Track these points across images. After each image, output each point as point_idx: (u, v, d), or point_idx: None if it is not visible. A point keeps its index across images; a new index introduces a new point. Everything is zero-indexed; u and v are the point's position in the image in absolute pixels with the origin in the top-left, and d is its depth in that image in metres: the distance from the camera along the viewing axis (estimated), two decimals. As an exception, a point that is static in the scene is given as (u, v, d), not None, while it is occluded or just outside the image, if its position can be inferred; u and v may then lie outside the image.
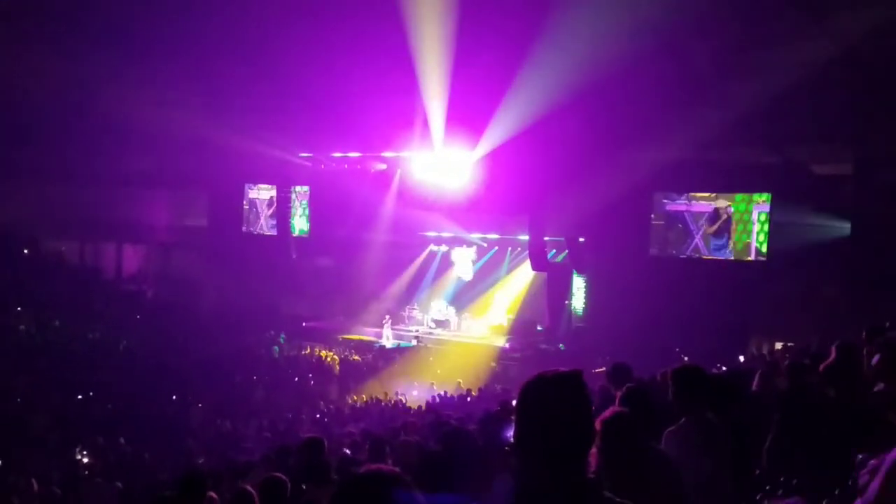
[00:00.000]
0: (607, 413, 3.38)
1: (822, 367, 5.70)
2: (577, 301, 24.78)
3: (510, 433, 2.38)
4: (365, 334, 27.21)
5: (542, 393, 2.13)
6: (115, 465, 12.51)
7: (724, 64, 16.93)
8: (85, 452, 12.96)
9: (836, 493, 4.32)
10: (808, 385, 5.90)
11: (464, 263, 29.33)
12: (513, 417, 2.20)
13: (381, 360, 23.43)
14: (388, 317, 26.96)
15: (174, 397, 18.03)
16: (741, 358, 16.58)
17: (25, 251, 30.44)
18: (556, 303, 24.29)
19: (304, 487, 5.52)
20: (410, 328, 27.96)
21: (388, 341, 26.20)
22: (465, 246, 29.32)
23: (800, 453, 5.08)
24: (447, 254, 29.89)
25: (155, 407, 17.05)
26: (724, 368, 11.67)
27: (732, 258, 21.82)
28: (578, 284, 24.75)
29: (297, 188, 28.97)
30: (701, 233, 22.30)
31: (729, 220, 21.89)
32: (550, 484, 2.03)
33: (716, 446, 4.13)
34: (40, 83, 22.75)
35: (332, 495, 1.85)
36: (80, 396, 17.32)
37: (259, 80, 21.92)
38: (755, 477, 5.25)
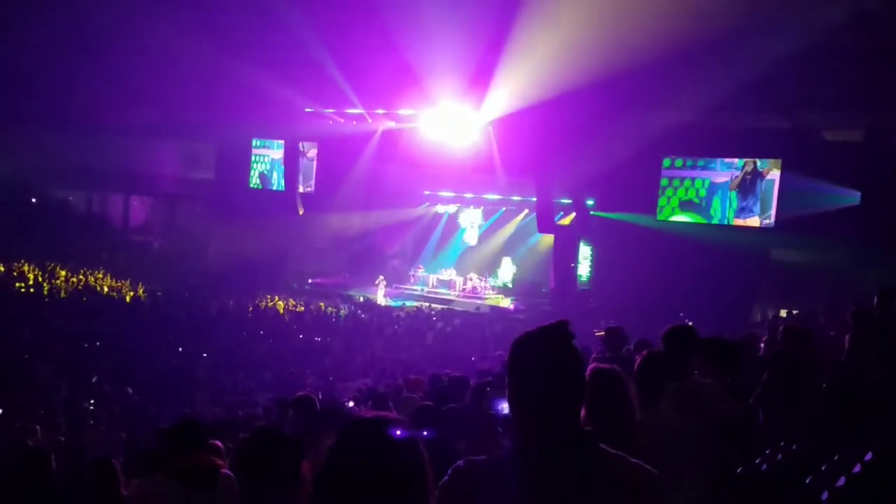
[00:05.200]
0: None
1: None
2: (583, 269, 24.78)
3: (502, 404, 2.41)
4: (370, 292, 27.32)
5: (526, 348, 2.15)
6: (120, 414, 12.62)
7: (737, 27, 16.68)
8: (91, 402, 13.05)
9: (836, 458, 4.32)
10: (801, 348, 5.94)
11: (470, 228, 29.38)
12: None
13: (386, 318, 23.49)
14: (381, 277, 27.09)
15: (180, 349, 18.12)
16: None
17: (33, 200, 30.52)
18: (561, 265, 24.28)
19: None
20: (415, 287, 28.05)
21: (381, 300, 26.38)
22: (472, 207, 29.30)
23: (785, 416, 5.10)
24: (453, 215, 29.90)
25: (160, 358, 17.14)
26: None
27: (759, 217, 21.60)
28: (585, 254, 24.70)
29: (305, 144, 28.88)
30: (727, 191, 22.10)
31: (755, 172, 21.61)
32: (543, 439, 2.04)
33: (698, 408, 4.11)
34: (48, 31, 22.57)
35: (337, 435, 1.87)
36: (85, 345, 17.42)
37: (269, 33, 21.72)
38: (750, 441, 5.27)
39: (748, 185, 21.68)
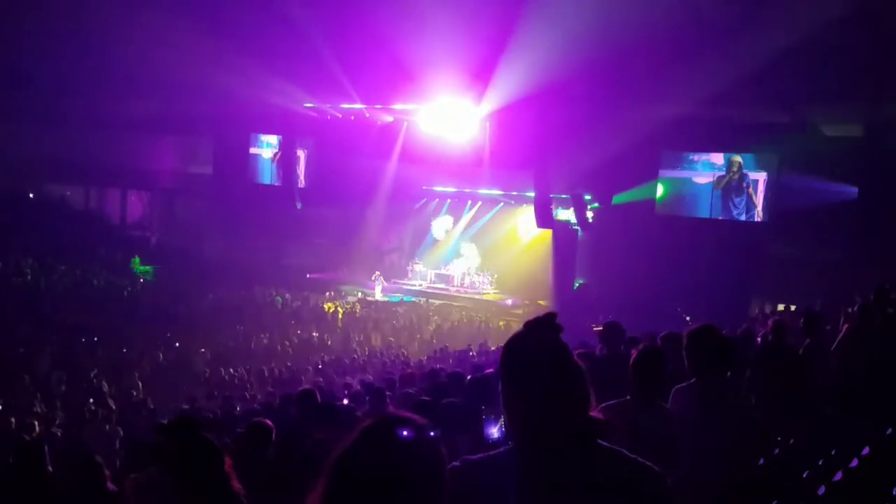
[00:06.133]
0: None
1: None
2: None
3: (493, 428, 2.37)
4: (368, 287, 27.33)
5: (518, 346, 2.10)
6: (118, 410, 12.62)
7: (737, 20, 16.67)
8: (89, 396, 13.06)
9: (833, 453, 4.33)
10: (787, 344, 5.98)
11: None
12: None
13: (384, 313, 23.50)
14: (377, 273, 27.13)
15: (177, 344, 18.12)
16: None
17: (31, 195, 30.46)
18: (560, 260, 24.28)
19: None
20: (413, 282, 28.04)
21: (378, 296, 26.42)
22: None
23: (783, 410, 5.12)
24: (452, 208, 29.95)
25: (158, 353, 17.15)
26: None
27: (745, 217, 21.72)
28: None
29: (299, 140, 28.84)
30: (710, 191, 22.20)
31: (741, 173, 21.72)
32: (542, 437, 2.01)
33: (724, 408, 4.11)
34: (46, 25, 22.50)
35: (361, 431, 1.82)
36: (83, 340, 17.42)
37: (268, 27, 21.69)
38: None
39: (734, 187, 21.81)
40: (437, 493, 1.78)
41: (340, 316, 23.15)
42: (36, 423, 10.25)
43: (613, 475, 1.99)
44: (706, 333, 4.19)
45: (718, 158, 22.14)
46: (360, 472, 1.74)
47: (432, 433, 1.82)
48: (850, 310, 6.69)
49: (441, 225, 30.20)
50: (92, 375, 14.22)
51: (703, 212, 22.29)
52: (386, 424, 1.82)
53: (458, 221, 29.93)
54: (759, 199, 21.44)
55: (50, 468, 4.87)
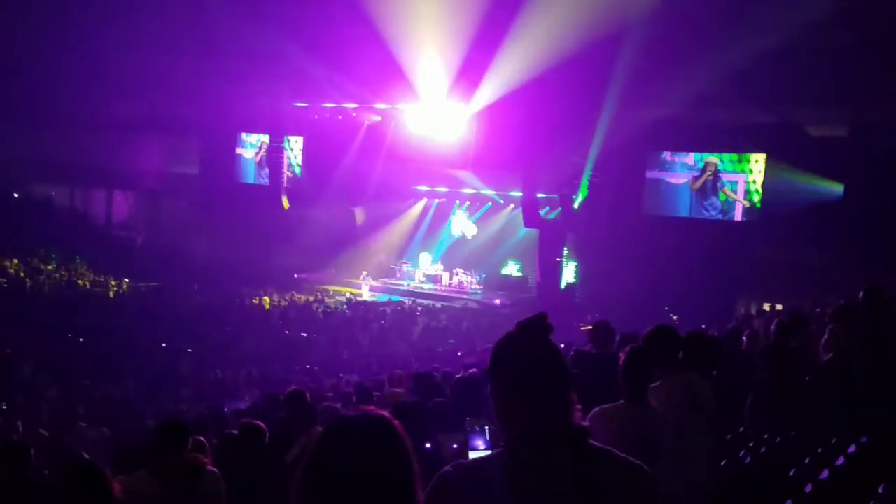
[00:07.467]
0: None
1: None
2: (567, 275, 24.77)
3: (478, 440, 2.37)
4: (356, 287, 27.28)
5: (509, 348, 2.11)
6: (105, 411, 12.55)
7: (723, 21, 16.73)
8: (75, 398, 12.97)
9: (819, 451, 4.35)
10: (790, 344, 5.99)
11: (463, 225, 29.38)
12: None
13: (372, 313, 23.45)
14: (365, 273, 27.09)
15: (164, 345, 18.02)
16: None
17: (16, 195, 30.28)
18: (547, 260, 24.30)
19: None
20: (402, 282, 28.01)
21: (366, 295, 26.37)
22: (459, 208, 29.32)
23: (780, 409, 5.15)
24: (440, 208, 29.83)
25: (144, 354, 17.06)
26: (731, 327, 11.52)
27: (721, 217, 21.90)
28: (569, 273, 24.74)
29: (291, 138, 28.71)
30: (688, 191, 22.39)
31: (716, 174, 21.92)
32: (533, 439, 2.00)
33: (700, 403, 4.14)
34: (30, 23, 22.36)
35: (323, 431, 1.84)
36: (69, 336, 17.34)
37: (254, 26, 21.61)
38: (738, 434, 5.31)
39: (708, 188, 21.97)
40: (408, 487, 1.79)
41: (321, 312, 23.04)
42: (20, 424, 10.19)
43: (605, 476, 1.99)
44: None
45: (693, 159, 22.33)
46: (328, 473, 1.76)
47: (398, 428, 1.83)
48: (829, 312, 6.72)
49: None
50: (78, 376, 14.15)
51: (683, 212, 22.46)
52: (347, 424, 1.83)
53: (445, 225, 29.81)
54: (739, 200, 21.60)
55: (43, 471, 4.84)
